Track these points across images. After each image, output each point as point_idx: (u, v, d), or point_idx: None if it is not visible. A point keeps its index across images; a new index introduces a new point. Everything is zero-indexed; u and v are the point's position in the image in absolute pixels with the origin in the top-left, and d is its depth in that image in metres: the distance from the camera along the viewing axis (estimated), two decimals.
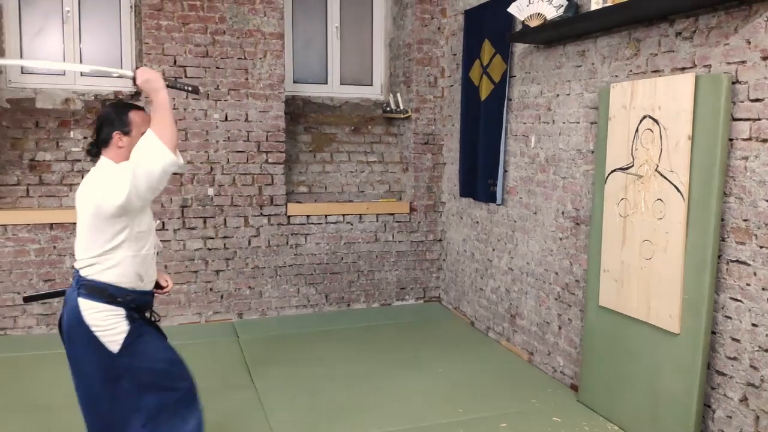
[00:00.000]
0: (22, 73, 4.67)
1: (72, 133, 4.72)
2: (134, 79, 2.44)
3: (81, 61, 4.81)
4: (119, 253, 2.37)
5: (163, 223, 4.74)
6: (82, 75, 4.80)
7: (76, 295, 2.38)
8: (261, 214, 5.01)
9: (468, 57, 4.78)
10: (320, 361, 4.16)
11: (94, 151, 2.46)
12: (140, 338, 2.42)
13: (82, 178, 4.69)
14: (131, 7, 4.86)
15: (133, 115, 2.43)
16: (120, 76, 4.62)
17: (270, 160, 4.99)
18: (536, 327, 4.07)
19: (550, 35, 3.69)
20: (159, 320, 2.64)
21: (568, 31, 3.52)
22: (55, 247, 4.55)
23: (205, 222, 4.86)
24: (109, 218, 2.31)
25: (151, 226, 2.51)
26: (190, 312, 4.89)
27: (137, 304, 2.45)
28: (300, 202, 5.20)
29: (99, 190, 2.32)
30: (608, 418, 3.37)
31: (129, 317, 2.40)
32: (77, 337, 2.37)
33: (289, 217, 5.09)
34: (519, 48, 4.18)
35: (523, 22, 3.69)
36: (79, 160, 4.74)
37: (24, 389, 3.66)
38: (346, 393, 3.68)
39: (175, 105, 4.68)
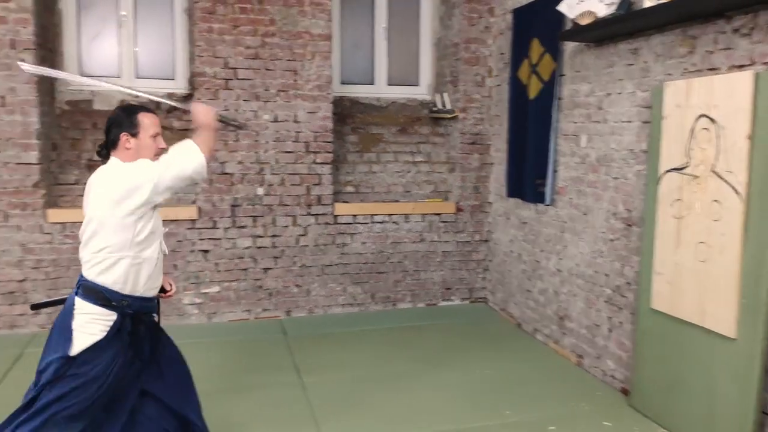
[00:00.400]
0: (80, 76, 4.83)
1: None
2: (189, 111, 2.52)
3: (136, 65, 4.96)
4: (119, 254, 2.35)
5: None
6: (137, 77, 4.95)
7: (74, 294, 2.40)
8: (309, 213, 5.08)
9: (516, 56, 4.75)
10: (366, 360, 4.18)
11: (103, 153, 2.48)
12: (102, 354, 2.35)
13: None
14: (184, 10, 4.99)
15: (142, 117, 2.43)
16: (175, 108, 4.74)
17: (318, 161, 5.05)
18: (585, 330, 4.01)
19: (602, 33, 3.63)
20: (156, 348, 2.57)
21: (620, 28, 3.46)
22: None
23: (254, 221, 4.95)
24: (122, 216, 2.31)
25: (157, 230, 2.47)
26: (239, 309, 4.98)
27: (134, 310, 2.42)
28: (347, 202, 5.25)
29: (119, 186, 2.32)
30: (660, 423, 3.31)
31: (115, 328, 2.37)
32: (57, 331, 2.37)
33: (336, 216, 5.14)
34: (569, 46, 4.13)
35: (573, 20, 3.65)
36: None
37: None
38: (392, 392, 3.69)
39: (226, 106, 4.79)
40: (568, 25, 3.96)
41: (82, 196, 4.73)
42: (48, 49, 4.69)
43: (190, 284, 4.86)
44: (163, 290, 2.68)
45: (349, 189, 5.39)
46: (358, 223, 5.21)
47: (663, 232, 3.31)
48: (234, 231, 4.92)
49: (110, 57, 4.92)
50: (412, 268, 5.36)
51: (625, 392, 3.66)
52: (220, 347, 4.37)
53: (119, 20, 4.89)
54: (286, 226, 5.03)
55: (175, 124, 4.99)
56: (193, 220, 4.84)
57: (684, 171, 3.21)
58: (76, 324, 2.34)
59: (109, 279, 2.35)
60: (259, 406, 3.49)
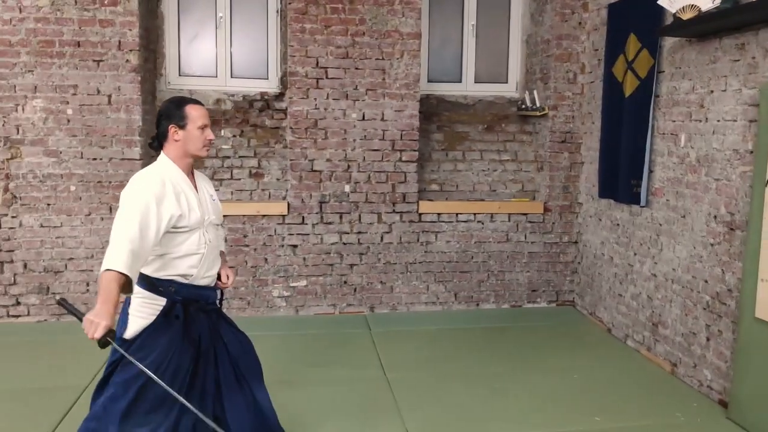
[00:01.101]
0: (179, 75, 5.08)
1: (222, 131, 5.06)
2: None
3: (232, 63, 5.15)
4: (159, 250, 2.40)
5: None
6: (232, 77, 5.14)
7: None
8: (393, 211, 5.12)
9: (611, 52, 4.61)
10: (450, 359, 4.18)
11: (155, 145, 2.56)
12: (156, 342, 2.41)
13: (231, 174, 5.09)
14: (278, 11, 5.14)
15: (190, 109, 2.48)
16: (267, 107, 4.88)
17: (403, 159, 5.09)
18: (681, 337, 3.85)
19: (705, 28, 3.47)
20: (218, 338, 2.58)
21: (725, 23, 3.30)
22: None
23: (341, 217, 5.05)
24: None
25: (199, 222, 2.49)
26: (325, 303, 5.10)
27: (183, 297, 2.45)
28: (431, 200, 5.26)
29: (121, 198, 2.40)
30: None
31: (165, 311, 2.42)
32: (121, 311, 2.45)
33: (420, 214, 5.16)
34: (668, 42, 3.97)
35: (674, 14, 3.51)
36: (228, 157, 5.09)
37: None
38: (477, 393, 3.67)
39: (316, 105, 4.90)
40: (668, 20, 3.81)
41: None
42: (151, 50, 4.96)
43: (278, 277, 5.02)
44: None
45: (434, 187, 5.40)
46: (443, 221, 5.21)
47: None
48: (321, 227, 5.04)
49: (208, 57, 5.14)
50: (496, 268, 5.31)
51: (723, 404, 3.49)
52: (306, 340, 4.49)
53: (216, 22, 5.10)
54: (371, 223, 5.10)
55: (268, 123, 5.15)
56: (283, 216, 4.98)
57: None
58: (132, 307, 2.44)
59: (151, 270, 2.44)
60: (344, 399, 3.56)
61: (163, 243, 2.40)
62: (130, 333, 2.42)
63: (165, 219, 2.37)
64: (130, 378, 2.40)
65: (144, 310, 2.43)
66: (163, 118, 2.50)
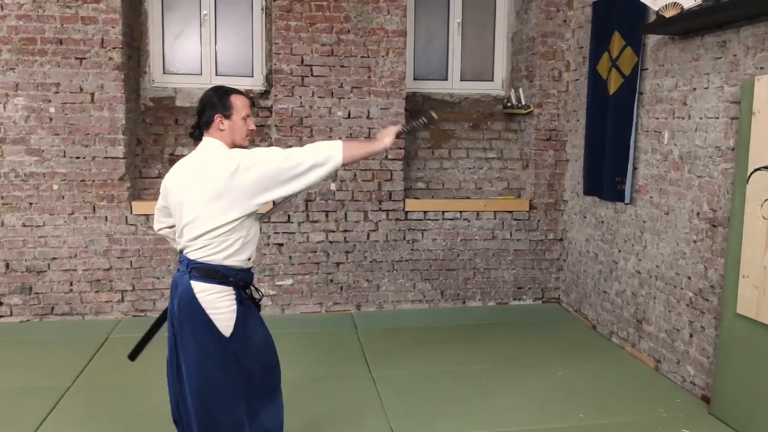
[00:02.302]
0: (163, 73, 5.04)
1: None
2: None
3: (216, 61, 5.12)
4: (234, 236, 2.37)
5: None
6: (217, 75, 5.11)
7: (187, 278, 2.40)
8: (380, 209, 5.11)
9: (596, 50, 4.62)
10: (436, 357, 4.19)
11: (196, 134, 2.51)
12: (248, 323, 2.45)
13: None
14: (262, 9, 5.12)
15: (235, 99, 2.46)
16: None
17: (389, 156, 5.08)
18: (665, 334, 3.88)
19: (688, 25, 3.49)
20: (261, 298, 2.64)
21: (707, 20, 3.32)
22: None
23: (327, 216, 5.03)
24: (254, 204, 2.34)
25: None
26: (311, 302, 5.08)
27: (244, 282, 2.48)
28: (418, 198, 5.26)
29: (246, 171, 2.32)
30: None
31: (238, 297, 2.42)
32: (190, 320, 2.38)
33: (406, 212, 5.16)
34: (652, 39, 3.99)
35: (657, 12, 3.52)
36: None
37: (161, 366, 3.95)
38: (462, 390, 3.68)
39: (301, 103, 4.88)
40: (652, 18, 3.83)
41: None
42: (134, 47, 4.92)
43: (264, 276, 4.99)
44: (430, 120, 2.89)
45: (420, 185, 5.39)
46: (429, 219, 5.21)
47: (751, 234, 3.16)
48: (308, 225, 5.02)
49: (192, 55, 5.10)
50: (482, 266, 5.31)
51: (706, 400, 3.52)
52: (292, 339, 4.47)
53: (201, 19, 5.07)
54: (357, 222, 5.09)
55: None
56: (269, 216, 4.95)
57: None
58: (208, 308, 2.38)
59: (226, 257, 2.39)
60: (330, 398, 3.55)
61: (243, 226, 2.41)
62: (227, 330, 2.39)
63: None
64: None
65: (220, 304, 2.39)
66: (207, 107, 2.46)
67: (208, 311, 2.37)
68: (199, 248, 2.39)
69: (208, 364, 2.39)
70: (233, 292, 2.41)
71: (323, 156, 2.43)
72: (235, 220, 2.35)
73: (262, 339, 2.53)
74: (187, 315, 2.38)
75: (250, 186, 2.33)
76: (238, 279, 2.42)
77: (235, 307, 2.41)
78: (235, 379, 2.43)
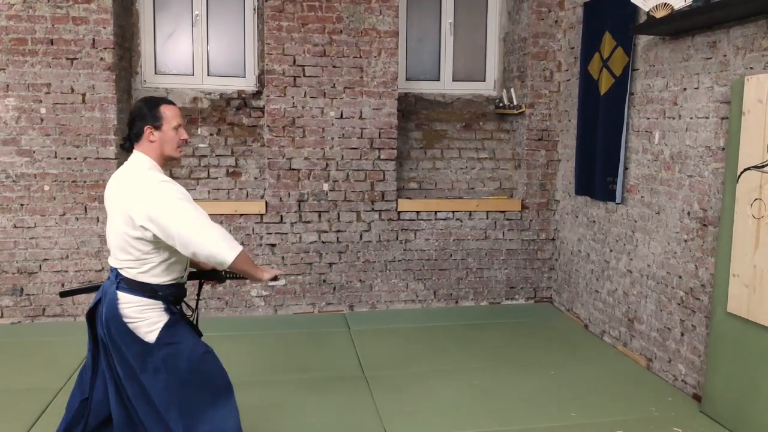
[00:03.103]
0: (155, 74, 5.02)
1: (199, 130, 5.02)
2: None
3: (208, 61, 5.09)
4: (156, 258, 2.37)
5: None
6: (209, 75, 5.09)
7: (114, 288, 2.38)
8: (372, 209, 5.11)
9: (587, 50, 4.64)
10: (428, 357, 4.18)
11: (126, 146, 2.46)
12: (177, 331, 2.41)
13: (208, 173, 5.04)
14: (254, 9, 5.10)
15: (164, 109, 2.42)
16: (245, 105, 4.83)
17: (382, 157, 5.08)
18: (656, 333, 3.89)
19: (678, 26, 3.50)
20: (193, 315, 2.60)
21: (697, 21, 3.33)
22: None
23: (319, 216, 5.02)
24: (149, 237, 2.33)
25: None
26: (304, 302, 5.07)
27: (174, 297, 2.46)
28: (410, 198, 5.26)
29: (143, 211, 2.29)
30: (734, 431, 3.19)
31: (167, 310, 2.41)
32: (115, 329, 2.36)
33: (399, 212, 5.15)
34: (643, 40, 4.00)
35: (647, 12, 3.53)
36: (205, 156, 5.04)
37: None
38: (455, 390, 3.68)
39: (293, 103, 4.87)
40: (642, 18, 3.84)
41: None
42: (126, 48, 4.89)
43: None
44: (214, 272, 2.71)
45: (413, 185, 5.39)
46: (422, 219, 5.21)
47: (741, 233, 3.17)
48: (300, 225, 5.01)
49: (184, 55, 5.08)
50: (475, 265, 5.32)
51: (697, 398, 3.53)
52: (285, 339, 4.46)
53: (192, 19, 5.05)
54: (350, 222, 5.08)
55: (245, 121, 5.11)
56: (261, 215, 4.94)
57: (764, 169, 3.06)
58: (128, 318, 2.36)
59: (152, 277, 2.39)
60: (323, 398, 3.55)
61: (164, 249, 2.37)
62: (150, 337, 2.36)
63: None
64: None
65: (145, 314, 2.37)
66: (137, 118, 2.43)
67: (128, 321, 2.35)
68: (125, 265, 2.37)
69: (138, 371, 2.37)
70: (162, 305, 2.40)
71: (220, 245, 2.32)
72: (149, 248, 2.34)
73: (192, 347, 2.45)
74: (114, 325, 2.35)
75: (152, 230, 2.32)
76: (167, 294, 2.41)
77: (164, 319, 2.39)
78: (167, 386, 2.38)
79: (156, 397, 2.38)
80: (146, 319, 2.36)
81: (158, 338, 2.37)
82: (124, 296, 2.35)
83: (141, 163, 2.41)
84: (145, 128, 2.40)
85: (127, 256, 2.36)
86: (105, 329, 2.37)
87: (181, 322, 2.48)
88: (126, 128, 2.48)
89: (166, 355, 2.37)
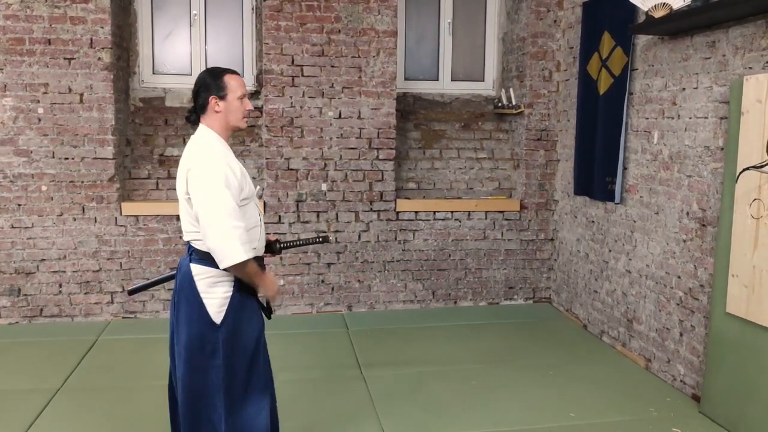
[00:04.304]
0: (153, 73, 5.01)
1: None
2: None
3: (206, 62, 5.09)
4: None
5: (263, 189, 4.92)
6: None
7: (188, 261, 2.42)
8: (371, 209, 5.10)
9: (586, 50, 4.63)
10: (427, 357, 4.18)
11: (192, 118, 2.47)
12: (243, 315, 2.42)
13: None
14: (252, 9, 5.10)
15: (228, 79, 2.41)
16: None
17: (380, 157, 5.07)
18: (655, 333, 3.89)
19: (677, 26, 3.50)
20: (267, 304, 2.62)
21: (696, 21, 3.33)
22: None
23: (318, 216, 5.02)
24: None
25: (252, 194, 2.49)
26: (302, 302, 5.06)
27: None
28: (409, 198, 5.25)
29: (189, 188, 2.34)
30: (733, 431, 3.19)
31: (237, 285, 2.40)
32: (185, 301, 2.40)
33: (398, 212, 5.15)
34: (642, 40, 4.00)
35: (646, 12, 3.53)
36: None
37: (151, 368, 3.93)
38: (453, 390, 3.67)
39: (292, 103, 4.87)
40: (641, 18, 3.84)
41: (154, 190, 4.94)
42: (123, 48, 4.89)
43: None
44: (270, 250, 2.68)
45: (411, 185, 5.39)
46: (420, 219, 5.20)
47: (740, 233, 3.17)
48: (298, 226, 5.00)
49: (182, 55, 5.08)
50: (474, 266, 5.31)
51: (696, 399, 3.53)
52: (283, 340, 4.45)
53: (191, 19, 5.04)
54: (348, 222, 5.07)
55: None
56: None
57: (763, 169, 3.05)
58: (202, 291, 2.38)
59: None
60: (322, 398, 3.54)
61: None
62: (217, 318, 2.38)
63: (236, 192, 2.37)
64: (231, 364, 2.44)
65: (215, 289, 2.39)
66: (201, 89, 2.42)
67: (202, 294, 2.38)
68: (194, 237, 2.42)
69: (194, 348, 2.39)
70: (231, 279, 2.40)
71: (224, 249, 2.32)
72: None
73: (253, 338, 2.48)
74: (184, 297, 2.40)
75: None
76: None
77: (230, 294, 2.40)
78: (218, 370, 2.41)
79: (208, 378, 2.41)
80: (216, 296, 2.38)
81: (224, 319, 2.39)
82: (196, 267, 2.38)
83: (204, 136, 2.42)
84: (210, 98, 2.39)
85: (193, 228, 2.40)
86: (175, 304, 2.43)
87: (248, 305, 2.46)
88: (192, 100, 2.47)
89: (225, 338, 2.39)
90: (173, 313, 2.47)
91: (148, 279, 4.54)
